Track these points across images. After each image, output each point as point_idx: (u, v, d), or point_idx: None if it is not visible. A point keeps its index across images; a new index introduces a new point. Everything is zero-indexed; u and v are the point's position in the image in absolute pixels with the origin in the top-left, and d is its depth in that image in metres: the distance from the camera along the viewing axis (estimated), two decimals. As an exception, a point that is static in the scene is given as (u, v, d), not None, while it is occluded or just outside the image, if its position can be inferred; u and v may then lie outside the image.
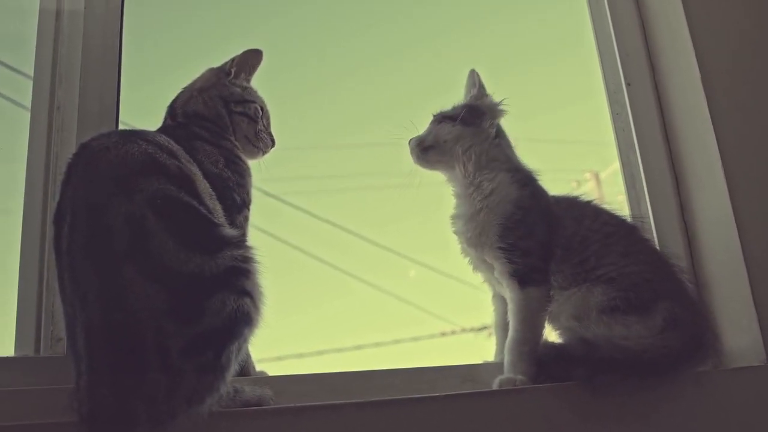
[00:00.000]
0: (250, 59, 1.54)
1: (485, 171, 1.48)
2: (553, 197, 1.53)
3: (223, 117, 1.47)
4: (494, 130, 1.54)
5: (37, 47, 1.55)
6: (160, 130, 1.41)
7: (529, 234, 1.41)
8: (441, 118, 1.55)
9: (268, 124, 1.56)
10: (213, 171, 1.33)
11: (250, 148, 1.50)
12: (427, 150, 1.52)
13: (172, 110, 1.49)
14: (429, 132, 1.54)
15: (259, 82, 1.58)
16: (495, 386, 1.31)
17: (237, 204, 1.35)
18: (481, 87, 1.59)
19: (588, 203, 1.55)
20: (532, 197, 1.46)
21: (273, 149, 1.56)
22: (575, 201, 1.55)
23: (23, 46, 1.57)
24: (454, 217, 1.52)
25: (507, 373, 1.33)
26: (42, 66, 1.53)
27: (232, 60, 1.53)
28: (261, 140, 1.51)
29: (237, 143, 1.47)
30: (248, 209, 1.40)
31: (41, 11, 1.57)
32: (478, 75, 1.60)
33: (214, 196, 1.26)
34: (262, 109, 1.53)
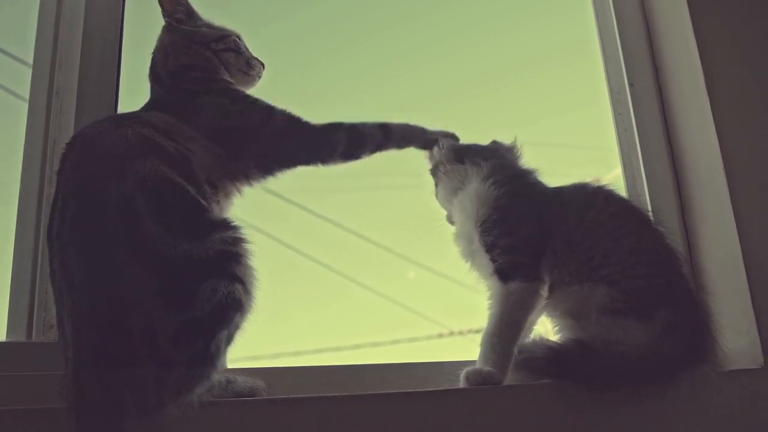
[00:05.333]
0: None
1: (461, 190, 1.51)
2: (557, 188, 1.51)
3: (211, 59, 1.46)
4: (451, 164, 1.55)
5: (37, 30, 1.54)
6: (154, 103, 1.40)
7: (510, 232, 1.39)
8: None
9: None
10: (222, 124, 1.33)
11: (247, 78, 1.51)
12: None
13: (155, 76, 1.45)
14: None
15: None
16: (462, 377, 1.29)
17: (260, 120, 1.37)
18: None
19: (598, 191, 1.49)
20: (514, 195, 1.44)
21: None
22: (582, 189, 1.50)
23: (23, 30, 1.57)
24: (454, 236, 1.53)
25: (477, 365, 1.32)
26: (42, 49, 1.53)
27: (164, 8, 1.47)
28: (253, 67, 1.52)
29: (231, 79, 1.47)
30: (278, 110, 1.41)
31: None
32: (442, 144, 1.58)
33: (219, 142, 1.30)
34: (238, 37, 1.52)
